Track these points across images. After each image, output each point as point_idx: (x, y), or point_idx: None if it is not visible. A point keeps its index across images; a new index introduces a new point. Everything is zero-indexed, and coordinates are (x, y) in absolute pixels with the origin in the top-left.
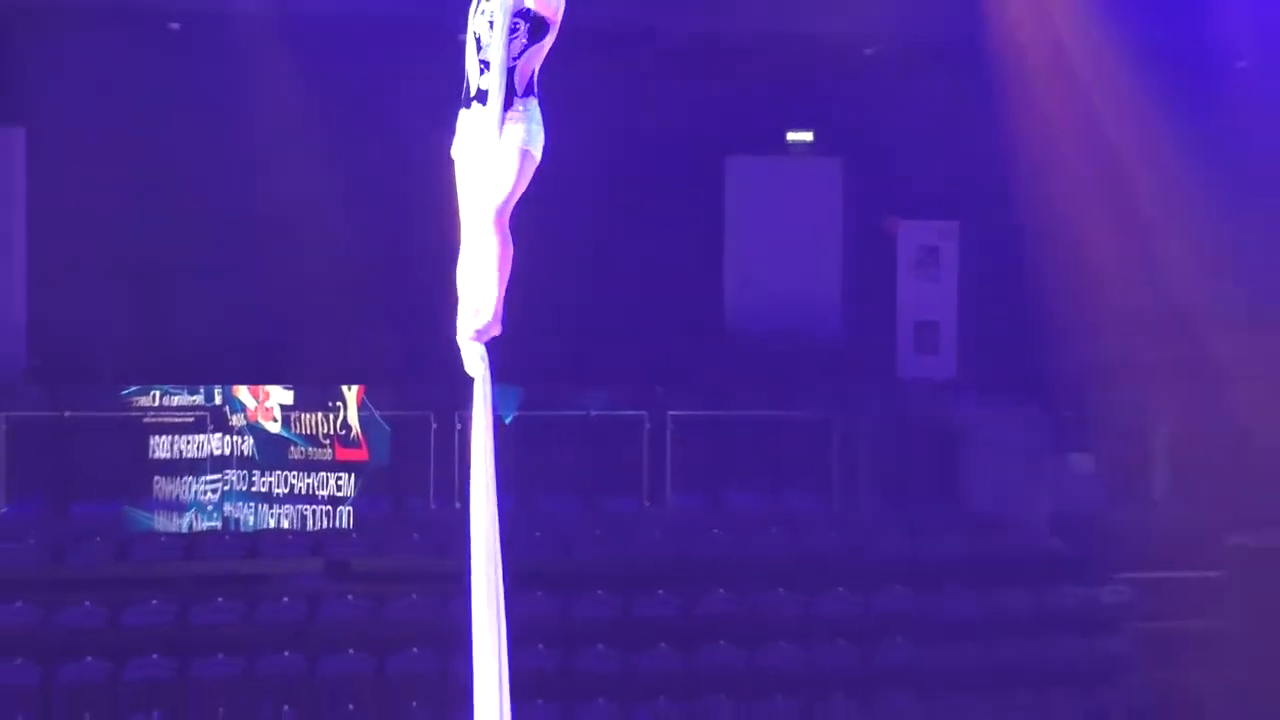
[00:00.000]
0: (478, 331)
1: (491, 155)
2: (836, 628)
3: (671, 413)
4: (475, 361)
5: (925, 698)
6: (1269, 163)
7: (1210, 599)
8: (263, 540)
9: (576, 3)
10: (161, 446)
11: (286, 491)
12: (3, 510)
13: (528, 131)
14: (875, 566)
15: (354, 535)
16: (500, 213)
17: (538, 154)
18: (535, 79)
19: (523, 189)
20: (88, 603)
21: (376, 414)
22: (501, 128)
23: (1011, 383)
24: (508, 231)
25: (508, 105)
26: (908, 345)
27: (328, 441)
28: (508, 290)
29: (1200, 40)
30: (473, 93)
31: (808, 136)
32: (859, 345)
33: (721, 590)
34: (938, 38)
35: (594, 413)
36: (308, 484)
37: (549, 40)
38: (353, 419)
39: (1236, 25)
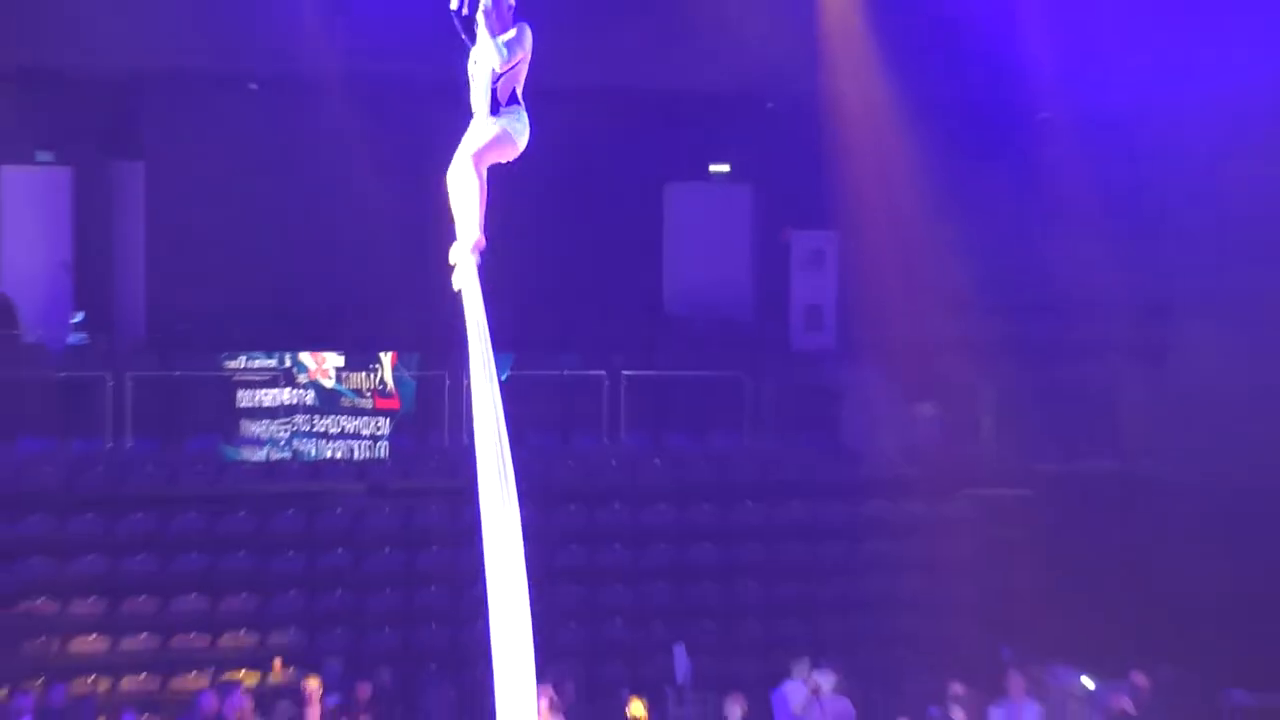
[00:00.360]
0: (472, 247)
1: (480, 126)
2: (748, 532)
3: (624, 373)
4: (468, 276)
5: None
6: (1068, 183)
7: (1022, 513)
8: (321, 468)
9: (548, 68)
10: (246, 398)
11: (339, 431)
12: (130, 444)
13: (511, 124)
14: (778, 485)
15: (389, 463)
16: (477, 156)
17: (517, 138)
18: (517, 93)
19: (496, 149)
20: (193, 513)
21: (406, 374)
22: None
23: (876, 351)
24: (483, 175)
25: (494, 112)
26: (799, 324)
27: (369, 394)
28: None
29: (1010, 95)
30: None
31: (725, 168)
32: (763, 324)
33: (661, 505)
34: (814, 95)
35: (566, 372)
36: (354, 425)
37: (521, 68)
38: (388, 377)
39: (1040, 82)
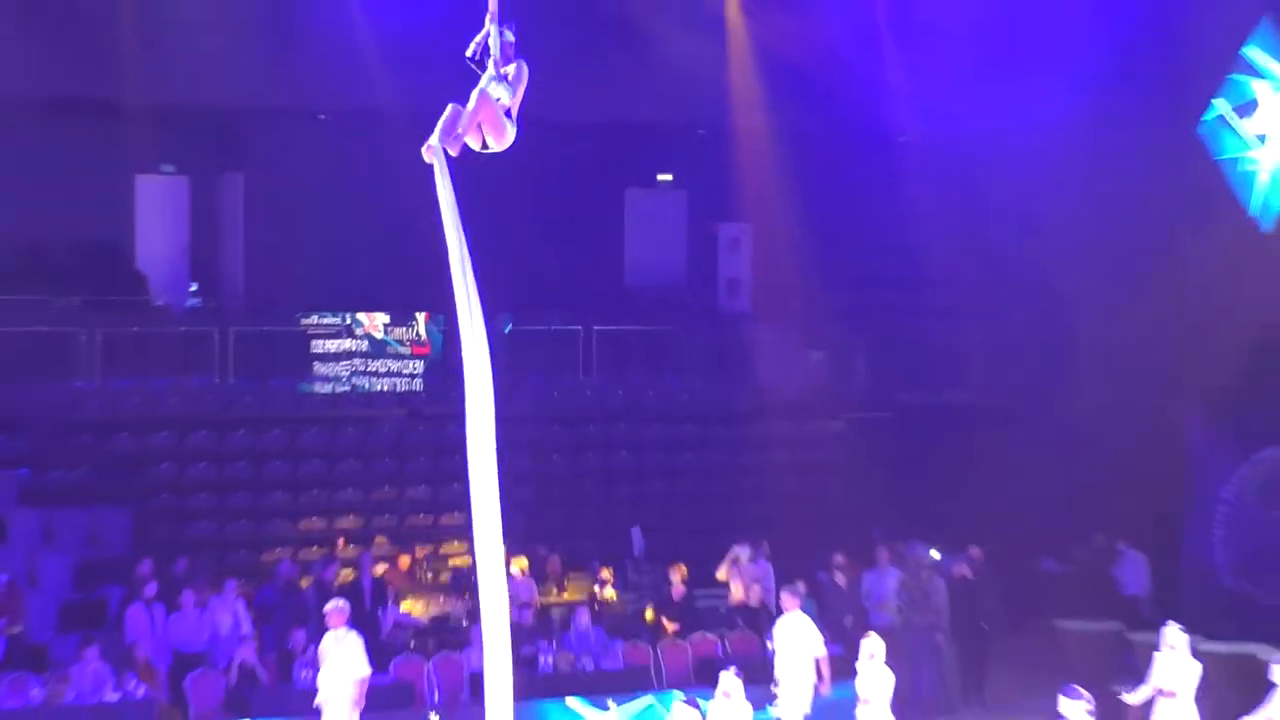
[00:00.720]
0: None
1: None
2: (686, 444)
3: (595, 328)
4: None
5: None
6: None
7: (886, 431)
8: (372, 398)
9: (537, 101)
10: (317, 346)
11: (385, 371)
12: (232, 381)
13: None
14: (708, 411)
15: (422, 394)
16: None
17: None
18: (512, 112)
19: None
20: (277, 431)
21: (435, 328)
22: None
23: (778, 312)
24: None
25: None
26: (723, 293)
27: (408, 343)
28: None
29: (876, 121)
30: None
31: (669, 177)
32: (696, 293)
33: (622, 425)
34: (731, 123)
35: (553, 328)
36: (397, 367)
37: (519, 90)
38: (422, 331)
39: (899, 111)
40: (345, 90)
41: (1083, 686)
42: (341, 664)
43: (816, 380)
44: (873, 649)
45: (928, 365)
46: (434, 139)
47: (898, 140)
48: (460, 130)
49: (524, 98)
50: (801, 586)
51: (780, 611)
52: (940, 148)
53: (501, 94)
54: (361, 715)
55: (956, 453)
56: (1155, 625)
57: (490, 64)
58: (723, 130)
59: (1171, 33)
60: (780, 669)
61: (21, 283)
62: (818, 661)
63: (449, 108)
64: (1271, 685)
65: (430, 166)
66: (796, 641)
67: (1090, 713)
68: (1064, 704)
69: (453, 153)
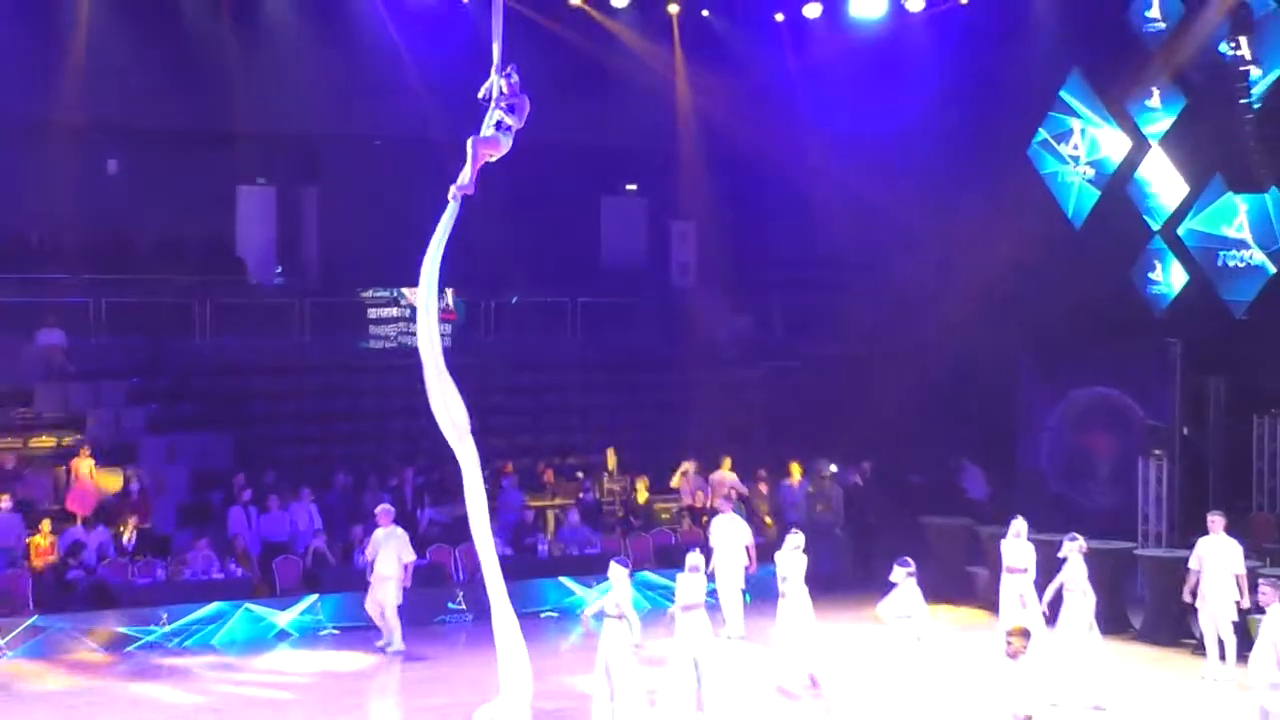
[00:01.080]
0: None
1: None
2: (648, 388)
3: (580, 300)
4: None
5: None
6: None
7: (796, 374)
8: (412, 353)
9: (532, 129)
10: (372, 313)
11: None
12: (308, 339)
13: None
14: (663, 358)
15: (449, 344)
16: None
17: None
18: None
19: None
20: (341, 376)
21: (460, 300)
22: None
23: (716, 288)
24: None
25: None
26: (676, 273)
27: (440, 311)
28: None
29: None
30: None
31: (634, 187)
32: (655, 274)
33: (600, 373)
34: (679, 147)
35: (548, 299)
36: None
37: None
38: (450, 301)
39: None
40: (398, 120)
41: (943, 568)
42: (392, 552)
43: (744, 337)
44: (796, 541)
45: (827, 323)
46: (459, 182)
47: (805, 155)
48: (469, 180)
49: (526, 125)
50: (734, 494)
51: (716, 513)
52: (831, 157)
53: (499, 136)
54: (404, 589)
55: (848, 391)
56: (993, 522)
57: (490, 112)
58: (674, 151)
59: (1002, 74)
60: (717, 556)
61: (154, 266)
62: (747, 548)
63: (469, 145)
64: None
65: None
66: (731, 535)
67: (910, 575)
68: (896, 572)
69: (469, 192)
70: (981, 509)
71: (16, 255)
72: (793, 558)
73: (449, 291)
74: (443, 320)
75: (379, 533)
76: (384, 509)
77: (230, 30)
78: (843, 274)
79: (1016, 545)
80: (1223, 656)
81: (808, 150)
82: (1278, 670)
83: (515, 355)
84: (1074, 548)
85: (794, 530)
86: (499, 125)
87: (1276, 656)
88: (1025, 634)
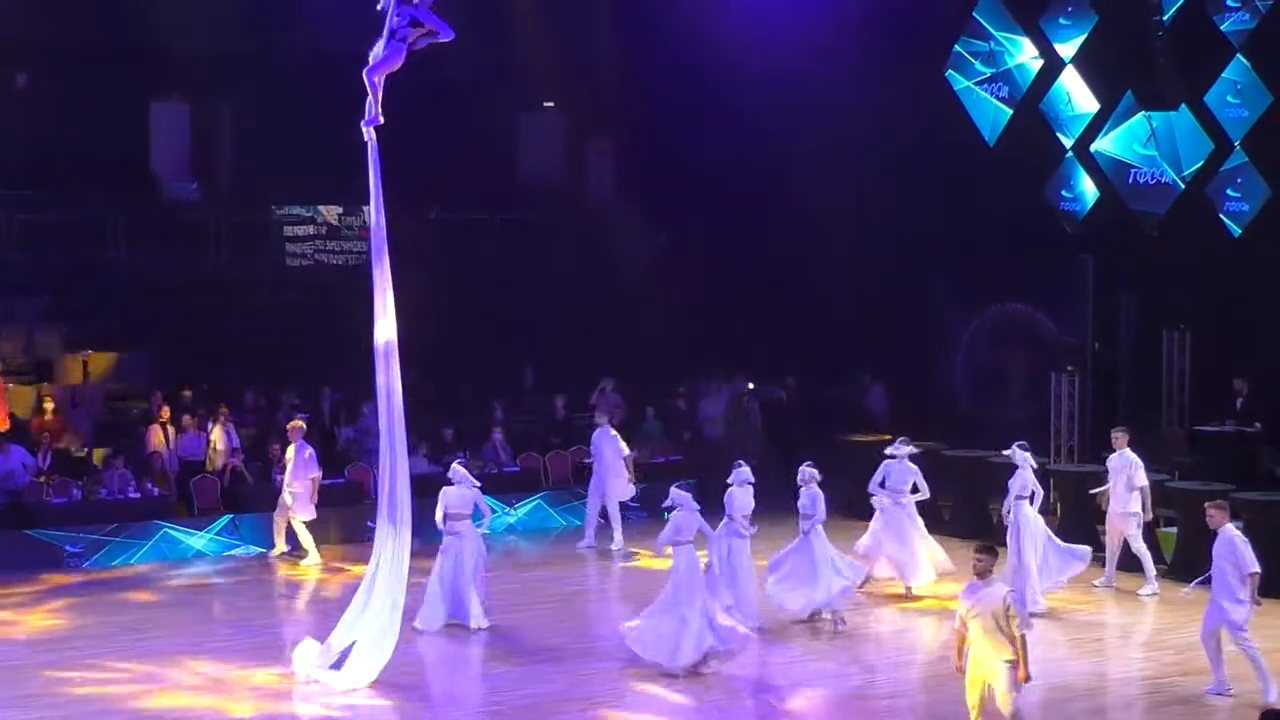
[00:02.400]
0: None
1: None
2: (568, 303)
3: (499, 216)
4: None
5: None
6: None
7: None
8: (329, 269)
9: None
10: (289, 230)
11: (339, 249)
12: (225, 257)
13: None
14: (573, 278)
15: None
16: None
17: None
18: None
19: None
20: (258, 293)
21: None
22: None
23: (641, 204)
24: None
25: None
26: (594, 189)
27: (356, 228)
28: None
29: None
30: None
31: (551, 104)
32: (572, 192)
33: (518, 287)
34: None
35: (470, 216)
36: (348, 246)
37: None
38: (367, 220)
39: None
40: (310, 37)
41: (855, 484)
42: (300, 467)
43: (662, 254)
44: (746, 475)
45: (746, 243)
46: (367, 117)
47: (724, 77)
48: (377, 111)
49: (450, 48)
50: (613, 411)
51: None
52: (749, 79)
53: (395, 48)
54: (319, 507)
55: (769, 310)
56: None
57: (388, 19)
58: (590, 69)
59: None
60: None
61: (69, 182)
62: (625, 459)
63: (365, 77)
64: (1015, 467)
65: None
66: (612, 448)
67: (819, 482)
68: (804, 472)
69: (379, 123)
70: (880, 424)
71: None
72: (745, 492)
73: (367, 208)
74: (359, 237)
75: (290, 450)
76: (294, 425)
77: None
78: (763, 194)
79: (896, 466)
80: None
81: (726, 72)
82: (1239, 586)
83: (436, 272)
84: (1026, 457)
85: (740, 464)
86: (390, 34)
87: (1231, 574)
88: (992, 551)
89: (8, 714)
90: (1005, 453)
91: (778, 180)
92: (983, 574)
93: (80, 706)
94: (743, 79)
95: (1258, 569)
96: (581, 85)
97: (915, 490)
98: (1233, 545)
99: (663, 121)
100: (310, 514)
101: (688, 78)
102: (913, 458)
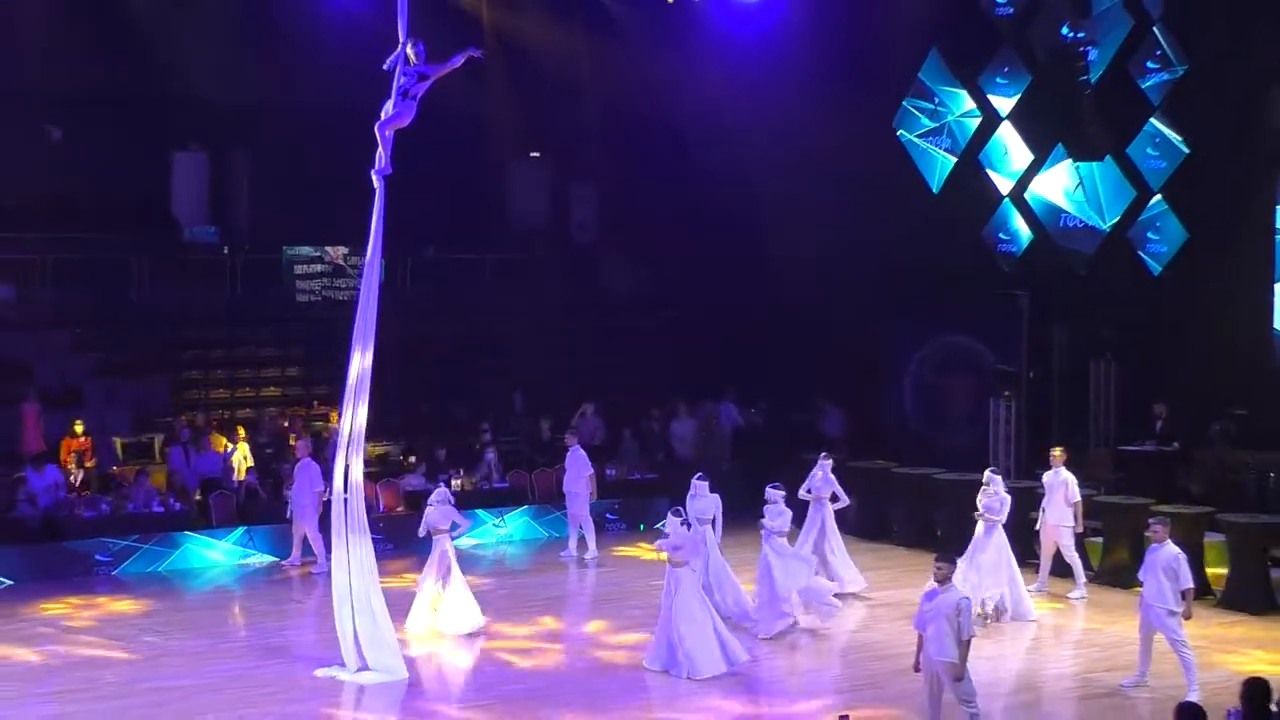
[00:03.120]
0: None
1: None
2: (554, 333)
3: (489, 256)
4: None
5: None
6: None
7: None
8: (336, 305)
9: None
10: (299, 269)
11: (345, 286)
12: (240, 292)
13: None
14: (560, 311)
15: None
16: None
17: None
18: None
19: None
20: (270, 327)
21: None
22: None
23: (615, 243)
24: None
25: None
26: (576, 231)
27: (360, 267)
28: None
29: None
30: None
31: (539, 154)
32: (558, 232)
33: (508, 319)
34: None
35: (464, 257)
36: (353, 284)
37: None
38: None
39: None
40: (323, 89)
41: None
42: (305, 482)
43: (644, 289)
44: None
45: (715, 278)
46: (377, 166)
47: (691, 125)
48: (386, 161)
49: (444, 97)
50: (580, 432)
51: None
52: (716, 135)
53: (405, 106)
54: (323, 520)
55: (737, 339)
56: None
57: (395, 79)
58: (576, 123)
59: (870, 55)
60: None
61: (96, 225)
62: (586, 478)
63: (377, 130)
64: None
65: (374, 149)
66: (579, 466)
67: (784, 499)
68: (769, 492)
69: (387, 172)
70: (838, 446)
71: None
72: (711, 500)
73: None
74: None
75: (297, 466)
76: (301, 441)
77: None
78: (733, 236)
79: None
80: (1076, 577)
81: (699, 126)
82: (1172, 599)
83: (436, 304)
84: (997, 479)
85: (700, 476)
86: (402, 93)
87: (1169, 586)
88: (951, 560)
89: (45, 708)
90: (984, 477)
91: (747, 224)
92: (942, 580)
93: (115, 701)
94: (714, 133)
95: (1192, 584)
96: (566, 137)
97: (835, 499)
98: (1177, 560)
99: (641, 170)
100: (314, 524)
101: (664, 130)
102: (857, 472)
